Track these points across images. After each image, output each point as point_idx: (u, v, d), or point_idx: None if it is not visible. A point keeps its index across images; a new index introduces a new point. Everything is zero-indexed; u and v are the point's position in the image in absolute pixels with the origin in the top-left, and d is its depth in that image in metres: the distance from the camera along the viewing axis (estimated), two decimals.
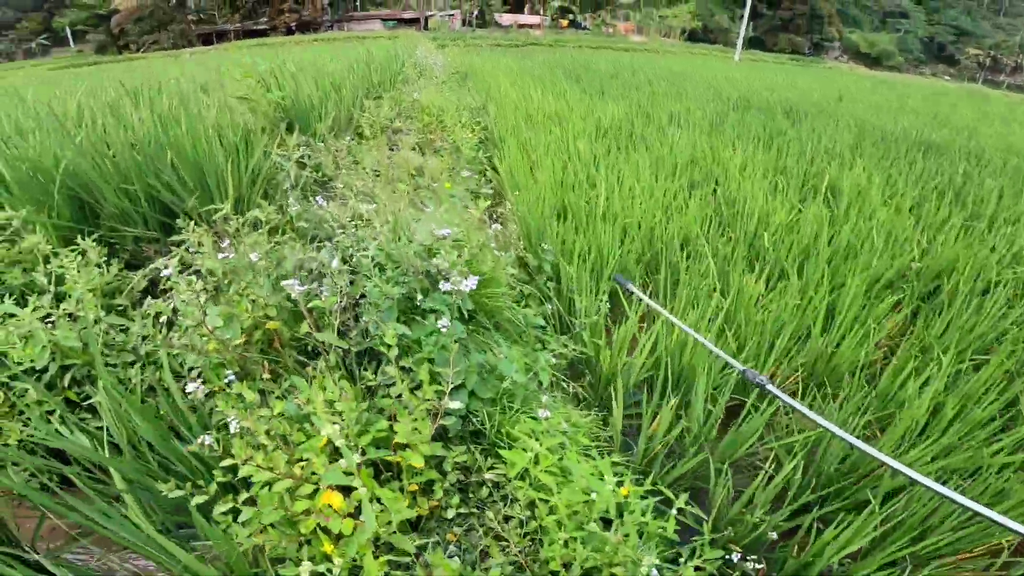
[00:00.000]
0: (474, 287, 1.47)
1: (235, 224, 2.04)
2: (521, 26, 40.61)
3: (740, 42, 35.08)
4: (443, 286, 1.50)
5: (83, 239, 2.10)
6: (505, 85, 8.25)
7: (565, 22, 42.94)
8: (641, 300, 2.12)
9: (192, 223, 1.98)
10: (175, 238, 1.96)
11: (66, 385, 1.75)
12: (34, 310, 1.69)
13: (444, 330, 1.41)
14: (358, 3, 48.63)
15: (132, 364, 1.80)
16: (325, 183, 3.02)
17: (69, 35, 47.44)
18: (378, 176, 3.11)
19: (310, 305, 1.43)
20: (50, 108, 2.68)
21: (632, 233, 3.36)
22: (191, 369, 1.61)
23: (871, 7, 55.14)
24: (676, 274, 2.98)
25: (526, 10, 43.52)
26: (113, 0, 38.89)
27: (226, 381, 1.57)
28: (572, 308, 2.63)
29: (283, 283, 1.35)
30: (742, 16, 47.18)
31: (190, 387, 1.39)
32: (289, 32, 38.72)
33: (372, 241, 1.99)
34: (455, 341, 1.49)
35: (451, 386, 1.37)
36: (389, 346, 1.39)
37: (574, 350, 2.34)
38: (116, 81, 5.97)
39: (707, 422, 1.85)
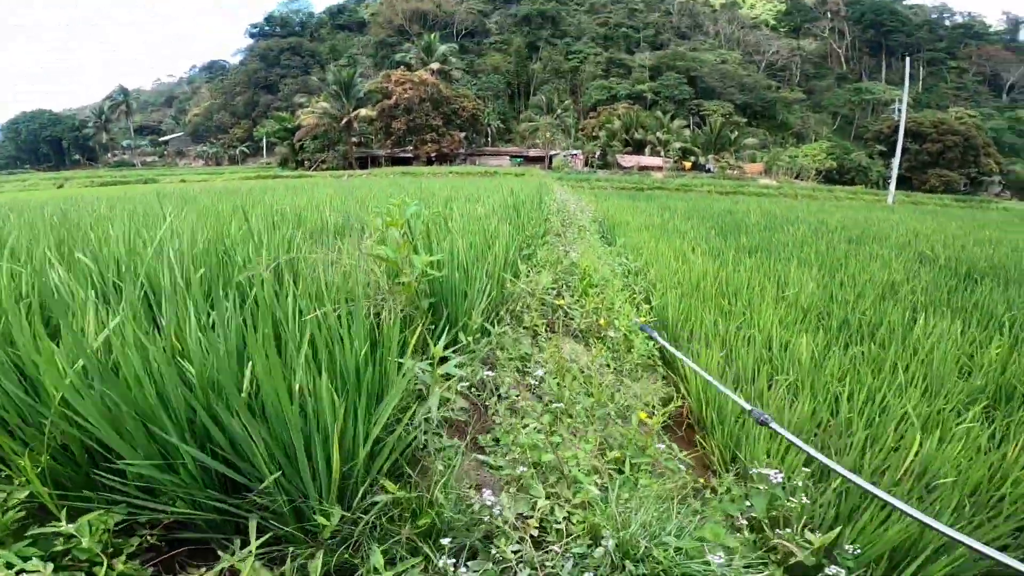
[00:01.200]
0: None
1: None
2: (643, 168, 42.00)
3: (893, 183, 32.70)
4: None
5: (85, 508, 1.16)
6: (652, 241, 7.41)
7: (688, 164, 43.60)
8: None
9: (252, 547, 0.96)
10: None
11: None
12: None
13: None
14: (489, 139, 54.49)
15: None
16: (484, 418, 2.00)
17: (264, 145, 56.80)
18: (556, 406, 2.06)
19: None
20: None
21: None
22: None
23: None
24: None
25: (647, 151, 45.19)
26: (299, 116, 46.81)
27: None
28: None
29: None
30: (882, 152, 43.87)
31: None
32: (429, 162, 43.62)
33: None
34: None
35: None
36: None
37: None
38: (267, 203, 5.55)
39: None
